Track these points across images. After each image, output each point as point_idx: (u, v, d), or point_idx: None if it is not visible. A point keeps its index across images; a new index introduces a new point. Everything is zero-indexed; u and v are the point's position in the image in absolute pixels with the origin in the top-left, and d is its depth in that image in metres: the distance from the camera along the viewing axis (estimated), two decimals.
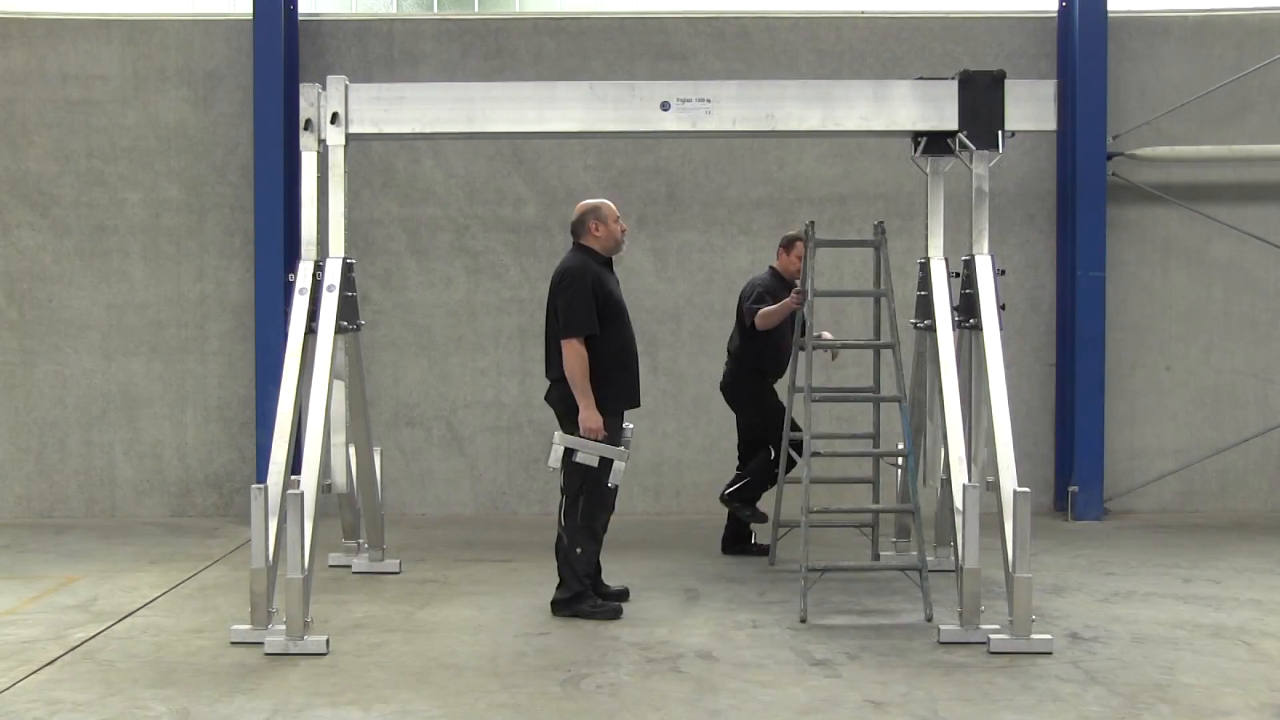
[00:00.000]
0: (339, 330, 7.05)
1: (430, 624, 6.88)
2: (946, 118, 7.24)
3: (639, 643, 6.46)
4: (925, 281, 7.52)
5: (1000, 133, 7.19)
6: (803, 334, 7.68)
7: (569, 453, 6.85)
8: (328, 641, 6.31)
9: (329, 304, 6.98)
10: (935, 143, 7.36)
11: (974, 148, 7.21)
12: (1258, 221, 10.40)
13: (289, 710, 5.44)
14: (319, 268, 7.10)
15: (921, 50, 10.41)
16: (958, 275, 7.37)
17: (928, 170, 7.62)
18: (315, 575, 6.72)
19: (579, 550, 6.95)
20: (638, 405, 7.13)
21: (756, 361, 8.46)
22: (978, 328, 7.05)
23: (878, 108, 7.31)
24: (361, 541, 8.35)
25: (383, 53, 10.45)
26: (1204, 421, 10.54)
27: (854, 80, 8.37)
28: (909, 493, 7.36)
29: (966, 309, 7.27)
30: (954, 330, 7.23)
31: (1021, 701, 5.54)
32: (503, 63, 10.43)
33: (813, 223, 7.71)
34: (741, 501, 8.42)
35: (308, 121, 7.21)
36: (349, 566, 8.26)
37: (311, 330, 6.96)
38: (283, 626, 6.33)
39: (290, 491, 6.37)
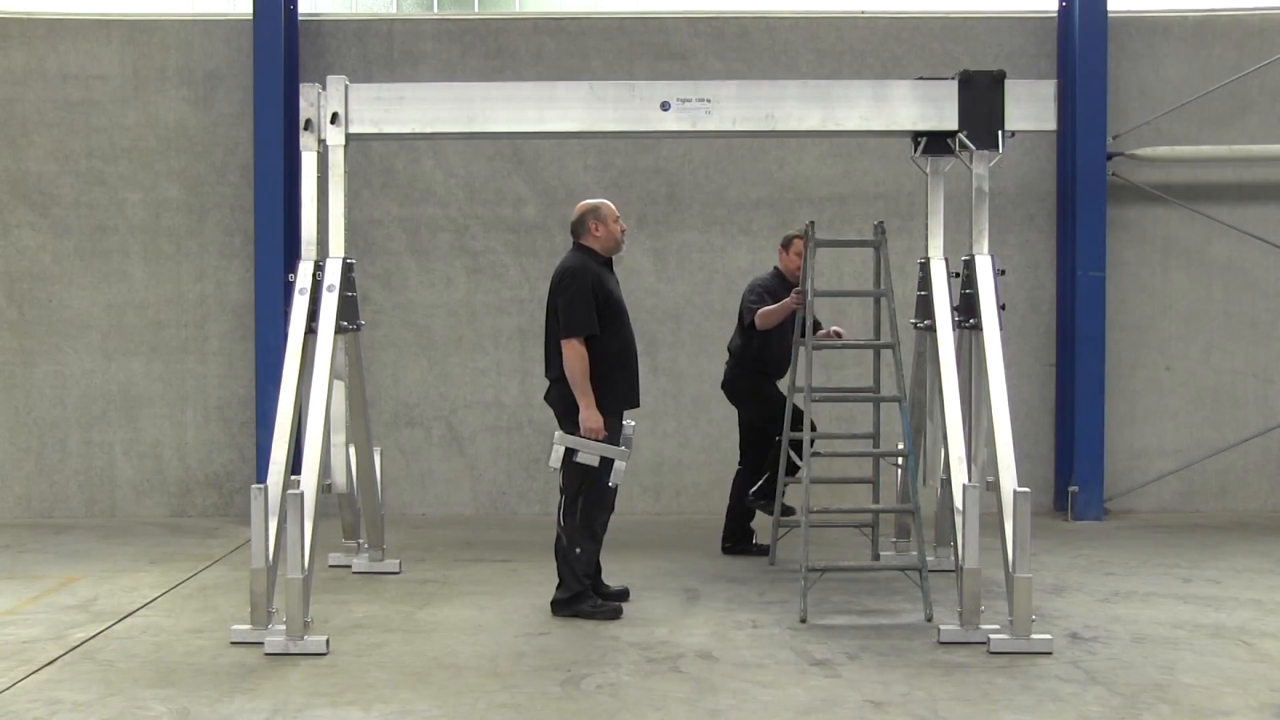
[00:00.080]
0: (339, 330, 7.05)
1: (430, 624, 6.88)
2: (946, 118, 7.24)
3: (639, 643, 6.46)
4: (925, 281, 7.52)
5: (1000, 133, 7.19)
6: (803, 334, 7.68)
7: (569, 453, 6.85)
8: (328, 641, 6.31)
9: (329, 304, 6.98)
10: (935, 143, 7.35)
11: (974, 148, 7.21)
12: (1258, 221, 10.40)
13: (289, 710, 5.44)
14: (319, 268, 7.10)
15: (921, 50, 10.41)
16: (958, 275, 7.37)
17: (928, 170, 7.62)
18: (315, 575, 6.72)
19: (578, 550, 6.95)
20: (637, 405, 7.13)
21: (757, 361, 8.47)
22: (978, 328, 7.05)
23: (878, 108, 7.31)
24: (361, 541, 8.35)
25: (383, 53, 10.46)
26: (1204, 421, 10.55)
27: (854, 80, 8.37)
28: (909, 493, 7.36)
29: (966, 309, 7.26)
30: (954, 330, 7.23)
31: (1021, 701, 5.54)
32: (503, 63, 10.43)
33: (813, 223, 7.71)
34: (766, 498, 8.39)
35: (308, 121, 7.21)
36: (349, 566, 8.26)
37: (311, 330, 6.96)
38: (283, 626, 6.33)
39: (290, 491, 6.37)
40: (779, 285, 8.42)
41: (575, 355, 6.83)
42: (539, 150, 10.43)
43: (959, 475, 6.76)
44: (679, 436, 10.52)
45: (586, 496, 6.92)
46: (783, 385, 8.30)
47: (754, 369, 8.50)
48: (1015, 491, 6.43)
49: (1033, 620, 6.33)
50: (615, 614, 6.95)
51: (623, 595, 7.30)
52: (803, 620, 6.85)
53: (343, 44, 10.44)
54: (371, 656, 6.24)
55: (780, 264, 8.55)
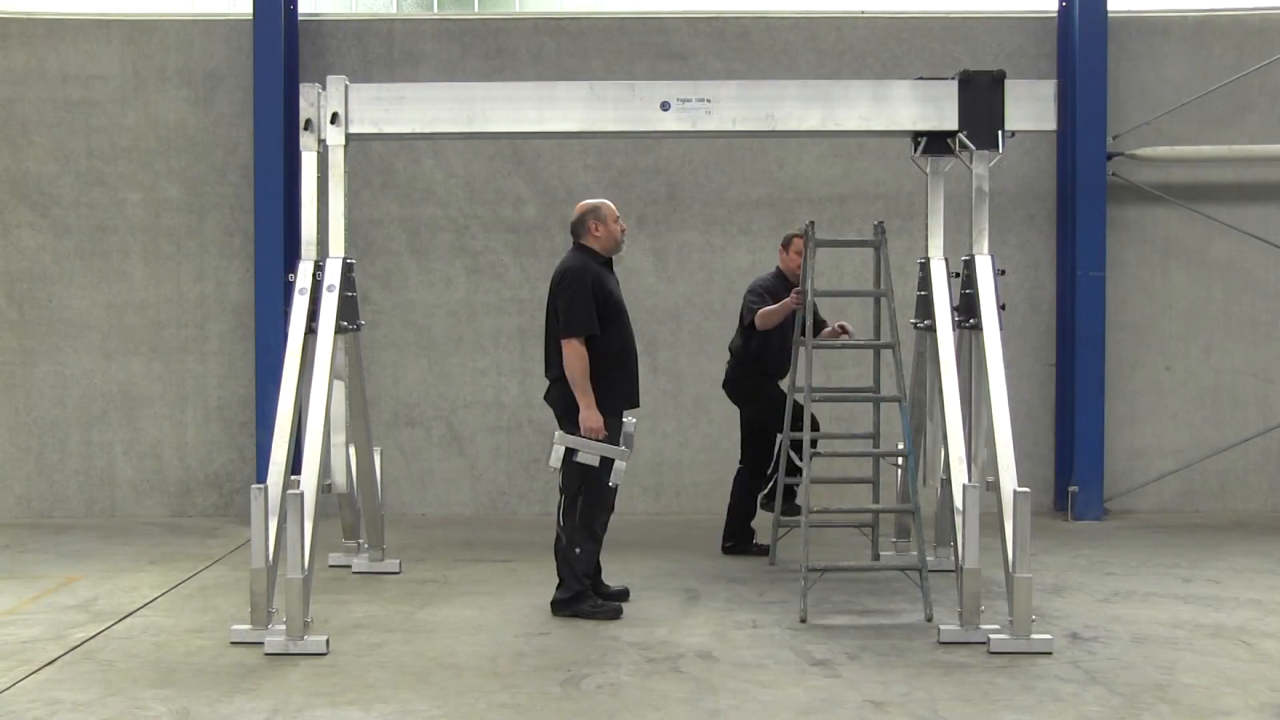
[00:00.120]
0: (339, 330, 7.05)
1: (430, 624, 6.88)
2: (946, 118, 7.24)
3: (639, 643, 6.46)
4: (925, 281, 7.51)
5: (1000, 133, 7.19)
6: (803, 334, 7.68)
7: (569, 452, 6.85)
8: (328, 641, 6.30)
9: (329, 304, 6.98)
10: (935, 143, 7.35)
11: (974, 148, 7.21)
12: (1258, 221, 10.40)
13: (289, 710, 5.43)
14: (319, 268, 7.10)
15: (921, 50, 10.41)
16: (958, 275, 7.37)
17: (928, 170, 7.62)
18: (315, 575, 6.72)
19: (578, 550, 6.95)
20: (637, 405, 7.13)
21: (757, 361, 8.47)
22: (978, 328, 7.05)
23: (878, 108, 7.30)
24: (361, 541, 8.34)
25: (383, 53, 10.46)
26: (1204, 421, 10.55)
27: (854, 80, 8.36)
28: (909, 493, 7.36)
29: (966, 309, 7.26)
30: (954, 330, 7.23)
31: (1021, 701, 5.54)
32: (503, 63, 10.43)
33: (813, 223, 7.71)
34: (785, 500, 8.36)
35: (308, 121, 7.21)
36: (349, 566, 8.26)
37: (311, 330, 6.96)
38: (283, 626, 6.33)
39: (290, 491, 6.37)
40: (780, 285, 8.42)
41: (575, 355, 6.83)
42: (539, 150, 10.43)
43: (959, 475, 6.76)
44: (679, 436, 10.53)
45: (586, 496, 6.92)
46: (784, 385, 8.29)
47: (755, 369, 8.50)
48: (1015, 491, 6.43)
49: (1033, 620, 6.33)
50: (615, 614, 6.95)
51: (623, 595, 7.30)
52: (803, 620, 6.85)
53: (343, 44, 10.44)
54: (371, 656, 6.24)
55: (781, 264, 8.55)
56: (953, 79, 7.27)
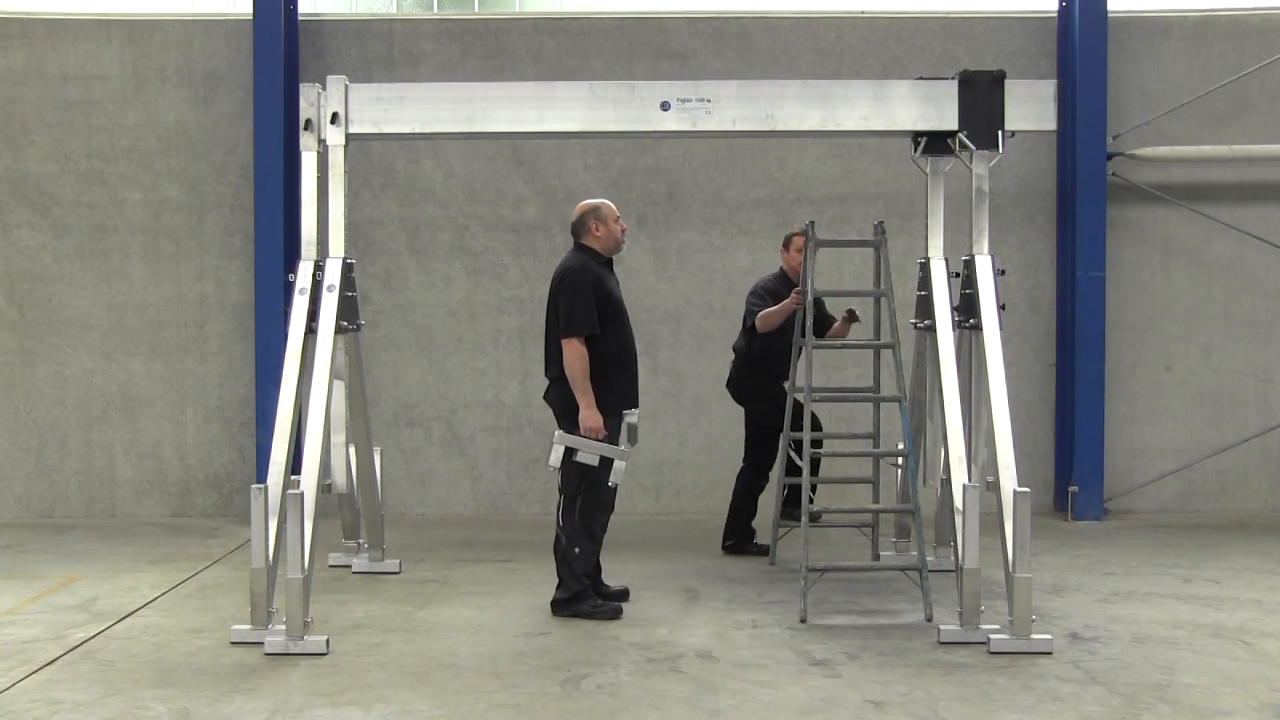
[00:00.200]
0: (339, 330, 7.05)
1: (430, 624, 6.88)
2: (946, 118, 7.24)
3: (639, 643, 6.46)
4: (925, 281, 7.52)
5: (1000, 133, 7.19)
6: (803, 334, 7.68)
7: (569, 452, 6.86)
8: (328, 641, 6.30)
9: (329, 304, 6.98)
10: (935, 143, 7.36)
11: (974, 148, 7.21)
12: (1258, 221, 10.40)
13: (289, 710, 5.44)
14: (319, 268, 7.10)
15: (921, 50, 10.41)
16: (958, 275, 7.37)
17: (928, 170, 7.63)
18: (315, 575, 6.72)
19: (577, 550, 6.95)
20: (636, 405, 7.13)
21: (760, 362, 8.47)
22: (978, 328, 7.05)
23: (878, 108, 7.31)
24: (361, 541, 8.35)
25: (383, 53, 10.46)
26: (1204, 421, 10.55)
27: (854, 80, 8.36)
28: (909, 493, 7.36)
29: (966, 309, 7.26)
30: (954, 330, 7.23)
31: (1021, 701, 5.54)
32: (503, 63, 10.43)
33: (813, 223, 7.71)
34: (794, 505, 8.36)
35: (308, 121, 7.21)
36: (349, 566, 8.26)
37: (311, 330, 6.96)
38: (283, 626, 6.33)
39: (290, 491, 6.37)
40: (783, 285, 8.42)
41: (576, 355, 6.83)
42: (539, 150, 10.43)
43: (959, 475, 6.76)
44: (679, 436, 10.53)
45: (586, 496, 6.93)
46: (786, 384, 8.30)
47: (758, 369, 8.51)
48: (1015, 491, 6.43)
49: (1033, 620, 6.33)
50: (615, 614, 6.95)
51: (623, 595, 7.30)
52: (803, 620, 6.85)
53: (343, 44, 10.44)
54: (371, 656, 6.24)
55: (783, 263, 8.56)
56: (953, 79, 7.27)
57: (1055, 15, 10.40)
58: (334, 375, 7.01)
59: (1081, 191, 10.05)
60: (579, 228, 7.13)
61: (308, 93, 7.23)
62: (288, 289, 7.20)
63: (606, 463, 6.84)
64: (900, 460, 7.95)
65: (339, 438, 7.62)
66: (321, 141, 7.24)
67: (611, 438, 6.89)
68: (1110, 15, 10.15)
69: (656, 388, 10.32)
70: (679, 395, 10.52)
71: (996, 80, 7.22)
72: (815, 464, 7.89)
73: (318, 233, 7.24)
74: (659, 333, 10.47)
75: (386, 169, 10.44)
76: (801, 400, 7.64)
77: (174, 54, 10.41)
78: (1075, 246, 10.09)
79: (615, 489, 6.95)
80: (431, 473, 10.55)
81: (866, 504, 8.56)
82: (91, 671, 6.01)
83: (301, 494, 6.33)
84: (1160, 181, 10.38)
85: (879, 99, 7.31)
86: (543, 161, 10.48)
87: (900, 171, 10.01)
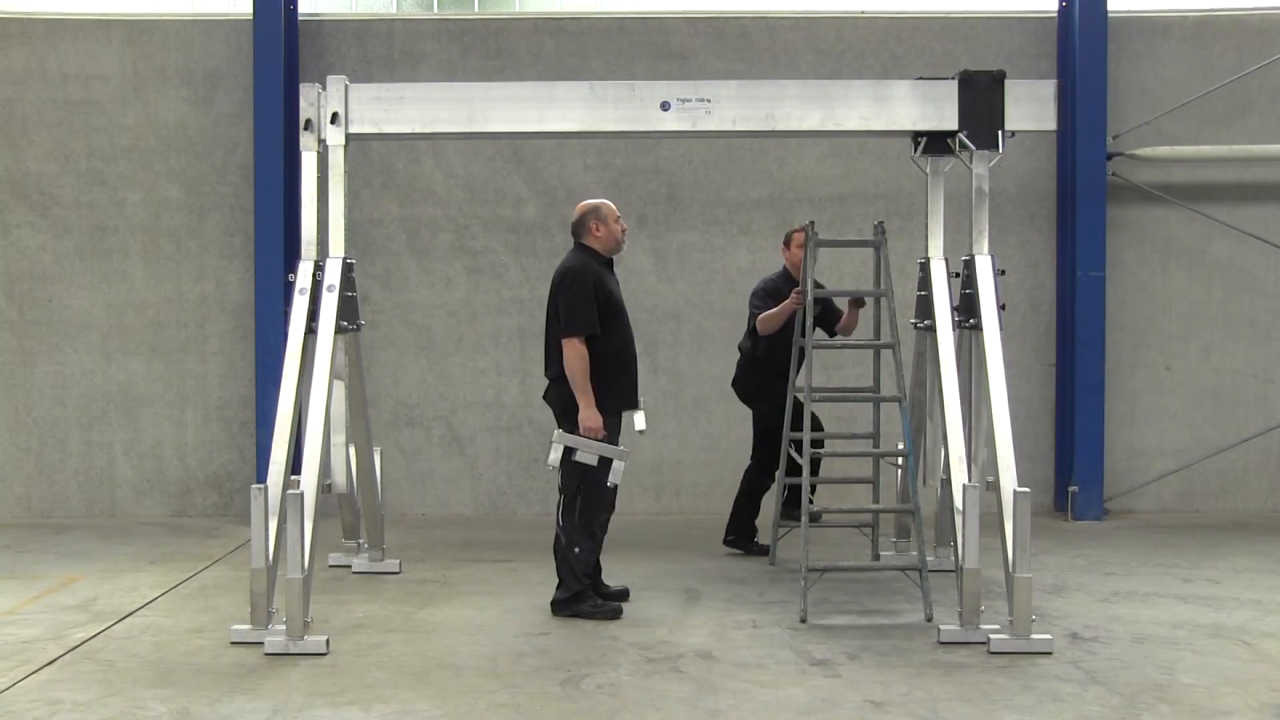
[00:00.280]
0: (339, 330, 7.05)
1: (430, 624, 6.88)
2: (946, 118, 7.24)
3: (639, 643, 6.46)
4: (925, 281, 7.52)
5: (1000, 133, 7.19)
6: (803, 333, 7.68)
7: (568, 452, 6.86)
8: (328, 641, 6.31)
9: (329, 304, 6.98)
10: (935, 143, 7.35)
11: (974, 148, 7.21)
12: (1258, 221, 10.40)
13: (289, 710, 5.44)
14: (319, 268, 7.10)
15: (921, 50, 10.41)
16: (958, 275, 7.37)
17: (928, 170, 7.63)
18: (315, 575, 6.72)
19: (577, 550, 6.95)
20: (636, 406, 7.14)
21: (765, 362, 8.47)
22: (978, 328, 7.05)
23: (878, 108, 7.30)
24: (361, 541, 8.35)
25: (383, 53, 10.46)
26: (1204, 421, 10.55)
27: (854, 80, 8.36)
28: (909, 493, 7.36)
29: (966, 309, 7.26)
30: (954, 330, 7.23)
31: (1021, 701, 5.54)
32: (503, 63, 10.43)
33: (813, 222, 7.71)
34: (795, 506, 8.37)
35: (308, 121, 7.21)
36: (349, 566, 8.26)
37: (311, 330, 6.96)
38: (283, 626, 6.33)
39: (290, 491, 6.37)
40: (786, 284, 8.42)
41: (576, 354, 6.83)
42: (539, 150, 10.43)
43: (959, 475, 6.76)
44: (679, 436, 10.53)
45: (585, 496, 6.93)
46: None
47: (763, 369, 8.51)
48: (1015, 491, 6.43)
49: (1033, 620, 6.33)
50: (615, 614, 6.95)
51: (623, 595, 7.30)
52: (803, 620, 6.85)
53: (343, 44, 10.44)
54: (371, 656, 6.24)
55: (786, 261, 8.56)
56: (953, 79, 7.27)
57: (1055, 15, 10.40)
58: (334, 375, 7.01)
59: (1081, 191, 10.05)
60: (579, 228, 7.13)
61: (308, 93, 7.23)
62: (288, 289, 7.20)
63: (605, 462, 6.84)
64: (900, 460, 7.95)
65: (339, 438, 7.62)
66: (321, 141, 7.24)
67: (611, 437, 6.89)
68: (1110, 15, 10.15)
69: (656, 388, 10.32)
70: (679, 395, 10.52)
71: (996, 80, 7.22)
72: (815, 464, 7.91)
73: (318, 233, 7.24)
74: (659, 333, 10.47)
75: (386, 169, 10.44)
76: (802, 400, 7.64)
77: (174, 54, 10.41)
78: (1075, 246, 10.10)
79: (615, 489, 6.95)
80: (431, 473, 10.55)
81: (866, 504, 8.56)
82: (91, 671, 6.01)
83: (301, 494, 6.33)
84: (1160, 181, 10.38)
85: (879, 99, 7.31)
86: (543, 161, 10.48)
87: (900, 171, 10.01)
